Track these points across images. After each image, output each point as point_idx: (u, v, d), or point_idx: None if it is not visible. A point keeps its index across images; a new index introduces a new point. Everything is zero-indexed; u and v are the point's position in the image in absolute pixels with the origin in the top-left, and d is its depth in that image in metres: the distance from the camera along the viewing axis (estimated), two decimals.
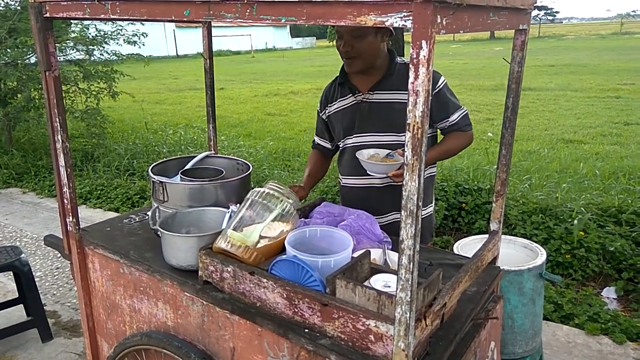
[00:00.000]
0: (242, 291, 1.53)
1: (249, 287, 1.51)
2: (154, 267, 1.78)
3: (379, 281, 1.40)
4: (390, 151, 2.11)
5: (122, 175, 6.64)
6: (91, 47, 7.50)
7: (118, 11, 1.47)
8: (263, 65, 24.06)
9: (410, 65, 1.01)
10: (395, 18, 1.01)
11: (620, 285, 3.67)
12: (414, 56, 1.00)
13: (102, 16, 1.52)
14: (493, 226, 1.77)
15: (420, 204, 1.08)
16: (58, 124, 1.82)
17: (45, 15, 1.69)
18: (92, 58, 7.62)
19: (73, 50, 7.64)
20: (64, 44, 7.37)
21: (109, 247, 1.94)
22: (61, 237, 2.13)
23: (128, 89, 8.29)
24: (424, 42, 0.98)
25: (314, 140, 2.51)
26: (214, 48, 2.48)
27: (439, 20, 0.99)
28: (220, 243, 1.58)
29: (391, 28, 2.09)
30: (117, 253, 1.90)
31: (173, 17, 1.35)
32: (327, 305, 1.34)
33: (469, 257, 1.90)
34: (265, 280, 1.46)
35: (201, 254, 1.60)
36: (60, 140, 1.84)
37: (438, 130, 2.26)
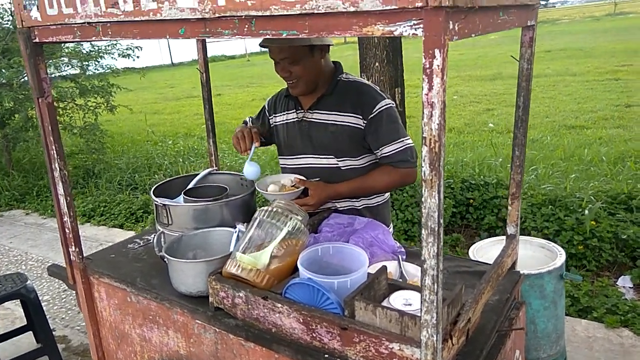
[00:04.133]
0: (256, 317, 1.47)
1: (263, 313, 1.45)
2: (162, 294, 1.71)
3: (398, 299, 1.34)
4: (293, 181, 2.01)
5: (124, 190, 6.58)
6: (85, 62, 7.44)
7: (109, 32, 1.41)
8: (259, 68, 23.94)
9: (424, 76, 0.95)
10: (405, 27, 0.94)
11: (635, 273, 3.60)
12: (427, 66, 0.94)
13: (93, 38, 1.46)
14: (510, 230, 1.71)
15: (442, 221, 1.02)
16: (54, 151, 1.76)
17: (34, 41, 1.63)
18: (87, 73, 7.57)
19: (68, 66, 7.60)
20: (59, 61, 7.32)
21: (115, 275, 1.88)
22: (64, 265, 2.07)
23: (125, 100, 8.24)
24: (437, 51, 0.92)
25: (246, 120, 2.34)
26: (208, 54, 2.40)
27: (451, 26, 0.93)
28: (230, 267, 1.51)
29: (331, 42, 2.02)
30: (123, 281, 1.84)
31: (167, 37, 1.29)
32: (346, 329, 1.28)
33: (486, 263, 1.84)
34: (279, 305, 1.40)
35: (211, 280, 1.54)
36: (58, 168, 1.78)
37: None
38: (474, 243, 4.28)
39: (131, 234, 5.49)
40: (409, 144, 1.98)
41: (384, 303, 1.34)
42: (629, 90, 10.80)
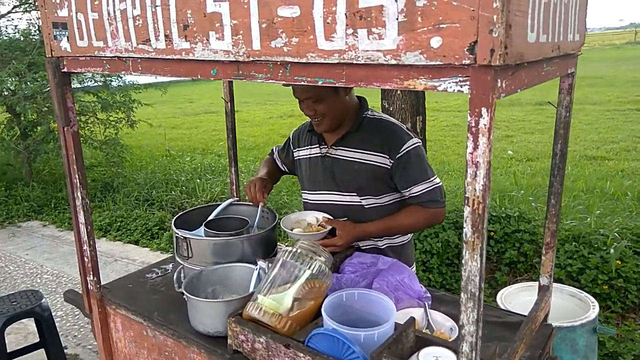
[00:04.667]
0: None
1: None
2: (179, 331, 1.67)
3: (428, 356, 1.27)
4: (321, 220, 1.98)
5: (141, 205, 6.60)
6: (108, 77, 7.55)
7: (140, 68, 1.40)
8: (277, 85, 24.10)
9: (469, 135, 0.90)
10: (450, 83, 0.90)
11: None
12: (472, 124, 0.89)
13: (123, 73, 1.44)
14: (543, 281, 1.64)
15: (482, 285, 0.96)
16: (77, 180, 1.74)
17: (63, 70, 1.63)
18: (110, 88, 7.68)
19: (91, 80, 7.72)
20: (82, 75, 7.44)
21: (132, 307, 1.84)
22: (80, 291, 2.04)
23: (145, 114, 8.31)
24: (484, 110, 0.87)
25: (273, 150, 2.39)
26: None
27: (499, 84, 0.89)
28: (251, 310, 1.47)
29: None
30: (140, 315, 1.80)
31: (199, 76, 1.26)
32: None
33: (516, 314, 1.77)
34: (302, 354, 1.34)
35: (230, 322, 1.49)
36: (80, 197, 1.76)
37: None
38: (494, 276, 4.23)
39: (146, 250, 5.48)
40: (437, 183, 1.94)
41: (412, 359, 1.28)
42: None
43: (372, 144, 1.95)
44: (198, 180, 6.92)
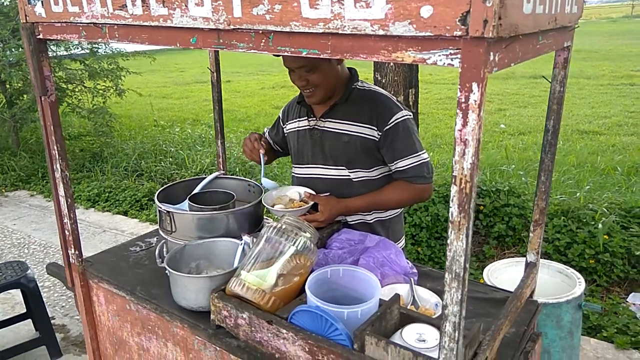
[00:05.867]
0: (259, 340, 1.40)
1: (266, 337, 1.38)
2: (162, 306, 1.65)
3: (411, 333, 1.26)
4: (302, 195, 1.94)
5: (130, 176, 6.53)
6: (95, 44, 7.35)
7: (116, 35, 1.33)
8: (269, 56, 23.77)
9: (458, 111, 0.86)
10: (440, 56, 0.86)
11: None
12: (462, 100, 0.85)
13: (100, 40, 1.37)
14: (530, 257, 1.62)
15: (468, 265, 0.94)
16: (56, 151, 1.69)
17: (38, 37, 1.55)
18: (97, 54, 7.49)
19: (78, 48, 7.51)
20: (69, 42, 7.24)
21: (114, 281, 1.81)
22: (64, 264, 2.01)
23: (134, 83, 8.17)
24: (475, 85, 0.83)
25: (264, 131, 2.32)
26: None
27: (491, 58, 0.84)
28: (234, 286, 1.44)
29: None
30: (122, 289, 1.77)
31: (178, 45, 1.20)
32: None
33: (502, 290, 1.76)
34: (285, 331, 1.32)
35: (213, 297, 1.47)
36: (60, 169, 1.70)
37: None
38: (482, 249, 4.25)
39: (135, 221, 5.44)
40: (424, 159, 1.89)
41: (396, 336, 1.27)
42: None
43: (361, 116, 1.90)
44: (188, 151, 6.84)
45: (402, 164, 1.88)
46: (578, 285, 2.08)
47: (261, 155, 2.01)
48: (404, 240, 2.19)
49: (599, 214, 4.00)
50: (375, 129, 1.88)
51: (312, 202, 1.91)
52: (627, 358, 2.92)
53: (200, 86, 14.99)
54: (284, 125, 2.18)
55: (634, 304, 3.50)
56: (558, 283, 2.16)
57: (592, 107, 9.89)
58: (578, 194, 4.53)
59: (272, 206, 1.89)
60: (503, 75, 13.99)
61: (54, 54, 7.30)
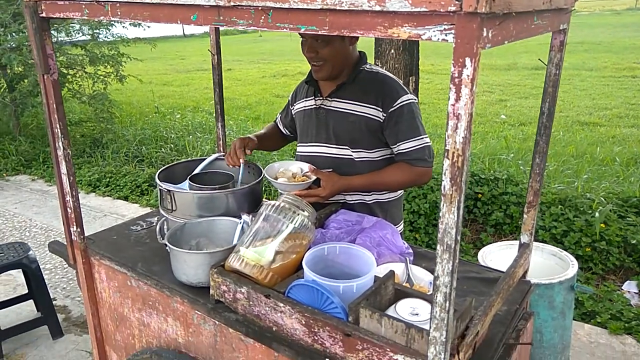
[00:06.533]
0: (257, 314, 1.44)
1: (264, 311, 1.41)
2: (163, 282, 1.68)
3: (405, 307, 1.29)
4: (307, 170, 1.96)
5: (130, 161, 6.55)
6: (97, 30, 7.34)
7: (119, 13, 1.35)
8: (270, 44, 23.69)
9: (451, 85, 0.88)
10: (434, 31, 0.88)
11: None
12: (456, 75, 0.87)
13: (102, 17, 1.39)
14: (524, 238, 1.65)
15: (459, 238, 0.97)
16: (59, 130, 1.71)
17: (41, 15, 1.57)
18: (98, 40, 7.48)
19: (79, 33, 7.50)
20: (69, 27, 7.23)
21: (116, 258, 1.84)
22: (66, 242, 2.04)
23: (135, 70, 8.15)
24: (467, 60, 0.85)
25: (276, 116, 2.37)
26: (221, 27, 2.31)
27: (484, 34, 0.86)
28: (233, 262, 1.48)
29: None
30: (124, 265, 1.80)
31: (179, 22, 1.22)
32: (350, 335, 1.24)
33: (496, 270, 1.80)
34: (282, 304, 1.36)
35: (213, 272, 1.50)
36: (62, 147, 1.73)
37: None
38: (480, 237, 4.29)
39: (136, 206, 5.48)
40: (426, 142, 1.92)
41: (390, 310, 1.30)
42: None
43: (367, 97, 1.93)
44: (189, 138, 6.86)
45: (405, 146, 1.91)
46: (571, 267, 2.12)
47: (241, 164, 2.02)
48: (402, 226, 2.23)
49: (596, 203, 4.03)
50: (381, 110, 1.91)
51: (314, 177, 1.93)
52: (620, 343, 2.96)
53: (201, 74, 14.96)
54: (292, 106, 2.21)
55: (628, 291, 3.55)
56: (552, 265, 2.20)
57: (593, 99, 9.88)
58: (576, 183, 4.56)
59: (275, 179, 1.92)
60: (505, 66, 13.96)
61: (55, 39, 7.29)
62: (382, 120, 1.92)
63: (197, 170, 2.08)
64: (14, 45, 6.64)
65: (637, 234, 3.72)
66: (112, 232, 2.09)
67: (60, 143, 1.72)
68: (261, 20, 1.07)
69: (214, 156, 2.20)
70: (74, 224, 1.87)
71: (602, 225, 3.79)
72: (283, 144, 2.42)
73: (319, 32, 1.00)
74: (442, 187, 0.94)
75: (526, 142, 6.82)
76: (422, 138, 1.92)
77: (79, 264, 1.96)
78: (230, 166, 2.05)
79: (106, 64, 7.26)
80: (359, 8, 0.93)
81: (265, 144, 2.29)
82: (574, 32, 20.66)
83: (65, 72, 7.09)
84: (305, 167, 1.98)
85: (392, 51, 4.12)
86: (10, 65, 6.62)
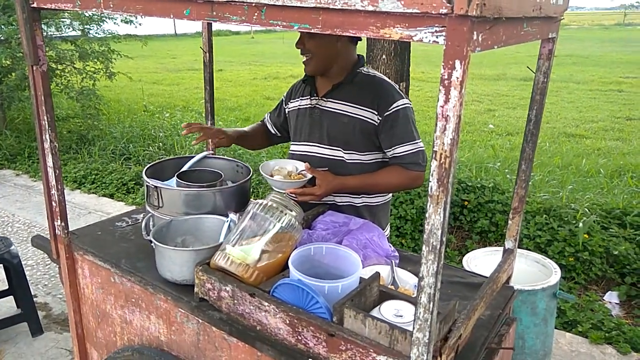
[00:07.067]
0: (241, 312, 1.43)
1: (248, 309, 1.40)
2: (147, 279, 1.67)
3: (389, 309, 1.30)
4: (303, 168, 1.97)
5: (117, 159, 6.49)
6: (87, 25, 7.29)
7: (111, 5, 1.34)
8: (262, 46, 23.72)
9: (441, 87, 0.89)
10: (425, 33, 0.89)
11: (623, 290, 3.60)
12: (445, 77, 0.88)
13: (94, 9, 1.39)
14: (508, 244, 1.67)
15: (445, 239, 0.97)
16: (46, 122, 1.69)
17: (32, 5, 1.55)
18: (88, 36, 7.42)
19: (69, 28, 7.44)
20: (60, 21, 7.16)
21: (99, 254, 1.82)
22: (49, 237, 2.01)
23: (125, 67, 8.09)
24: (457, 62, 0.86)
25: (264, 116, 2.38)
26: (213, 27, 2.32)
27: (475, 37, 0.87)
28: (219, 260, 1.47)
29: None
30: (107, 261, 1.78)
31: (172, 16, 1.22)
32: (334, 335, 1.24)
33: (480, 275, 1.81)
34: (266, 303, 1.35)
35: (198, 270, 1.49)
36: (49, 140, 1.71)
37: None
38: (465, 244, 4.32)
39: (121, 204, 5.43)
40: (421, 147, 1.94)
41: (374, 311, 1.31)
42: (632, 102, 10.79)
43: (363, 99, 1.94)
44: (177, 137, 6.82)
45: (400, 150, 1.92)
46: (554, 274, 2.14)
47: (207, 152, 2.15)
48: (388, 230, 2.23)
49: (580, 214, 4.08)
50: (376, 113, 1.92)
51: (310, 176, 1.92)
52: (600, 352, 2.99)
53: (192, 74, 14.90)
54: (286, 105, 2.22)
55: (609, 302, 3.59)
56: (535, 272, 2.22)
57: (580, 111, 10.03)
58: (561, 194, 4.61)
59: (271, 176, 1.92)
60: (494, 77, 14.11)
61: (45, 33, 7.22)
62: (377, 124, 1.93)
63: (185, 168, 2.07)
64: (2, 38, 6.56)
65: (620, 245, 3.77)
66: (96, 227, 2.07)
67: (47, 135, 1.70)
68: (254, 17, 1.07)
69: (202, 154, 2.19)
70: (59, 218, 1.85)
71: (586, 235, 3.84)
72: (267, 144, 2.43)
73: (312, 30, 1.00)
74: (429, 188, 0.95)
75: (513, 151, 6.89)
76: (417, 142, 1.94)
77: (62, 259, 1.93)
78: (184, 131, 2.12)
79: (96, 60, 7.20)
80: (352, 7, 0.93)
81: (247, 142, 2.32)
82: (563, 45, 20.96)
83: (55, 66, 7.02)
84: (301, 166, 1.98)
85: (384, 57, 4.14)
86: None
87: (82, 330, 2.04)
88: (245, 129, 2.33)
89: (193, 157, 2.16)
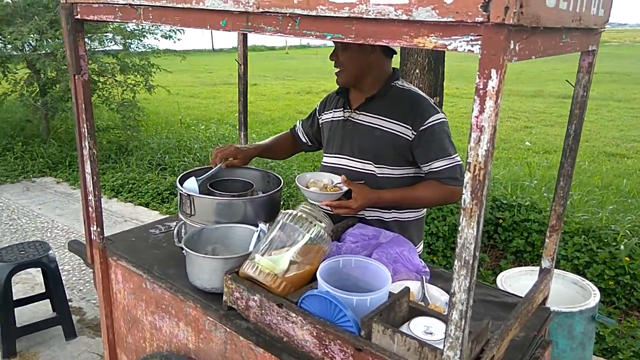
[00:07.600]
0: (268, 323, 1.42)
1: (276, 320, 1.40)
2: (177, 286, 1.68)
3: (419, 326, 1.27)
4: (339, 181, 1.94)
5: (154, 169, 6.65)
6: (129, 40, 7.54)
7: (150, 17, 1.38)
8: (297, 62, 24.05)
9: (475, 97, 0.88)
10: (460, 42, 0.87)
11: None
12: (481, 87, 0.86)
13: (134, 21, 1.43)
14: (545, 264, 1.61)
15: (478, 254, 0.95)
16: (86, 130, 1.75)
17: (76, 17, 1.62)
18: (129, 50, 7.67)
19: (111, 42, 7.72)
20: (103, 36, 7.44)
21: (133, 260, 1.86)
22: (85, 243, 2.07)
23: (164, 81, 8.31)
24: (493, 71, 0.84)
25: (295, 124, 2.39)
26: (248, 43, 2.37)
27: (511, 46, 0.85)
28: (248, 269, 1.47)
29: (392, 47, 1.96)
30: (140, 267, 1.81)
31: (208, 27, 1.24)
32: (361, 350, 1.22)
33: (515, 295, 1.75)
34: (294, 314, 1.34)
35: (227, 279, 1.50)
36: (88, 147, 1.76)
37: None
38: (499, 264, 4.20)
39: (156, 213, 5.54)
40: (458, 161, 1.90)
41: (404, 327, 1.28)
42: None
43: (396, 113, 1.92)
44: (211, 149, 6.94)
45: (437, 165, 1.89)
46: (593, 296, 2.05)
47: (218, 165, 2.16)
48: (422, 247, 2.19)
49: (620, 236, 3.92)
50: (410, 128, 1.90)
51: (346, 189, 1.91)
52: None
53: (227, 87, 15.20)
54: (319, 115, 2.23)
55: None
56: (572, 294, 2.13)
57: (621, 130, 9.72)
58: (600, 214, 4.45)
59: (307, 188, 1.92)
60: (531, 93, 13.85)
61: (89, 47, 7.50)
62: (411, 139, 1.91)
63: (208, 175, 2.08)
64: (49, 51, 6.86)
65: None
66: (130, 234, 2.11)
67: (87, 142, 1.76)
68: (288, 27, 1.08)
69: (217, 168, 2.20)
70: (95, 223, 1.90)
71: (627, 258, 3.68)
72: (291, 153, 2.45)
73: (345, 40, 1.00)
74: (462, 201, 0.93)
75: (550, 170, 6.71)
76: (454, 157, 1.90)
77: (96, 264, 1.98)
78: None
79: (136, 73, 7.43)
80: (385, 17, 0.93)
81: (270, 153, 2.35)
82: (603, 62, 20.41)
83: (97, 79, 7.28)
84: (337, 179, 1.98)
85: (417, 71, 4.12)
86: (44, 70, 6.83)
87: (113, 335, 2.08)
88: (267, 142, 2.36)
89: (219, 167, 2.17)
